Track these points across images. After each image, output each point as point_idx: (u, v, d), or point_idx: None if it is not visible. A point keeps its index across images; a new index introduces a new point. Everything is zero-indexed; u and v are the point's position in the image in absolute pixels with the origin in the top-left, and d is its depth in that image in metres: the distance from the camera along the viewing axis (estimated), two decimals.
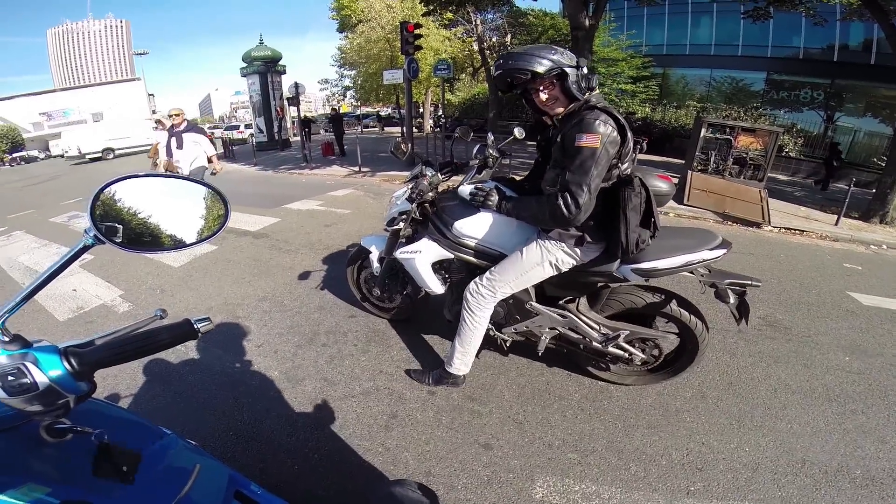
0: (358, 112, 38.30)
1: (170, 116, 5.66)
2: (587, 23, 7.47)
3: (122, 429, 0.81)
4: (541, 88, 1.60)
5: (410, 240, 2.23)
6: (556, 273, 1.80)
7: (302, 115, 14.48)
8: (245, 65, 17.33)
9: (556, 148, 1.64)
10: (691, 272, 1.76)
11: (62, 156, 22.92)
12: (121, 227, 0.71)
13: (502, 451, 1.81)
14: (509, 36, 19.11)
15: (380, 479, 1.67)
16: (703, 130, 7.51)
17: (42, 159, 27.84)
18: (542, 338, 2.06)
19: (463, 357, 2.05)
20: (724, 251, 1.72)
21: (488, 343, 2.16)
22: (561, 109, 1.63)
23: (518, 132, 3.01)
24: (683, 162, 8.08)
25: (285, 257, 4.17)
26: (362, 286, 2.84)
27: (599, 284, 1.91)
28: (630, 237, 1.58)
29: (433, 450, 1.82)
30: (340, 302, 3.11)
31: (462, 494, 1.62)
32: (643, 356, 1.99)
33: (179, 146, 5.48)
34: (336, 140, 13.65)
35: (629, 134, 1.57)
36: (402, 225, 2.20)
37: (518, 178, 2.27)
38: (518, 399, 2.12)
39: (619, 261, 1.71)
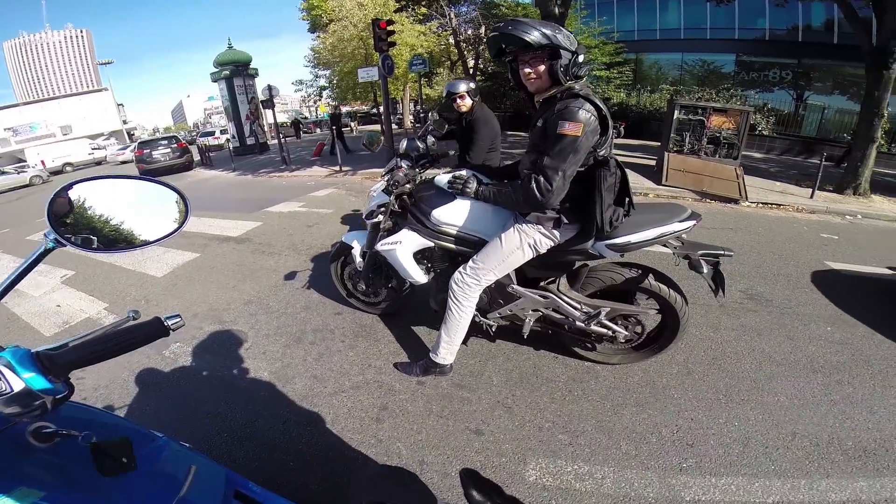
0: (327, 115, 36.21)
1: None
2: (557, 11, 7.47)
3: (112, 432, 0.79)
4: (528, 61, 1.54)
5: (391, 232, 2.21)
6: (535, 255, 1.81)
7: (286, 118, 14.15)
8: (216, 70, 16.85)
9: (536, 132, 1.63)
10: (665, 245, 1.79)
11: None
12: (95, 238, 0.73)
13: (493, 436, 1.81)
14: (483, 27, 19.05)
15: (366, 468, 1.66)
16: (677, 112, 7.63)
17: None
18: (527, 320, 2.07)
19: (449, 346, 2.05)
20: (694, 222, 1.75)
21: (474, 330, 2.15)
22: (541, 89, 1.60)
23: (430, 115, 3.17)
24: (660, 144, 8.19)
25: (269, 260, 4.10)
26: (347, 282, 2.81)
27: (578, 263, 1.93)
28: (604, 215, 1.61)
29: (425, 438, 1.82)
30: (326, 300, 3.08)
31: (456, 481, 1.61)
32: (626, 333, 2.01)
33: None
34: (338, 139, 13.19)
35: (610, 123, 1.56)
36: (381, 217, 2.19)
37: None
38: (506, 384, 2.13)
39: (593, 238, 1.73)
